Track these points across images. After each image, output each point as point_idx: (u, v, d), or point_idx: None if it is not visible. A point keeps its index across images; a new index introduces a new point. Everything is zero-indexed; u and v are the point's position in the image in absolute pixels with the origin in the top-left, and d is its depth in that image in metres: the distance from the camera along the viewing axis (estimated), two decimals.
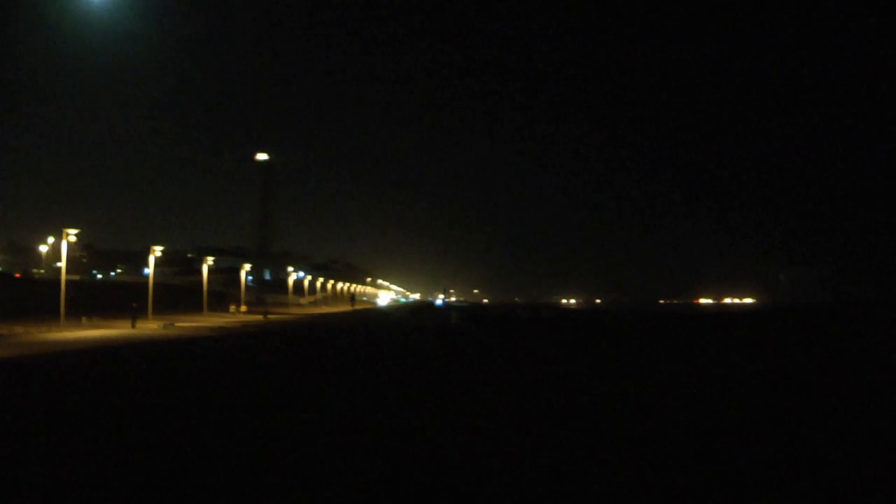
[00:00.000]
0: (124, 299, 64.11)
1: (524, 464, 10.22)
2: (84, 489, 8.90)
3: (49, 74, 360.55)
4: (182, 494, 8.74)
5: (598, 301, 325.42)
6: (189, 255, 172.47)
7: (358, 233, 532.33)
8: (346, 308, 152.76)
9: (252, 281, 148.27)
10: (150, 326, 55.98)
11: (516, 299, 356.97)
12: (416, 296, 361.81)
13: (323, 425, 13.00)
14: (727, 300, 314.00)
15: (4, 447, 11.33)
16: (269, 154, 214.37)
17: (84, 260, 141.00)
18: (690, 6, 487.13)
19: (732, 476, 9.66)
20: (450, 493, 8.86)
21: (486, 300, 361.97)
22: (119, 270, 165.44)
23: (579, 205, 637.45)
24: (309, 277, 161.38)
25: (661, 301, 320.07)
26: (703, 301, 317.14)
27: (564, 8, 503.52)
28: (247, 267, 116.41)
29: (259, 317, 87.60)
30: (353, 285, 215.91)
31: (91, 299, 64.97)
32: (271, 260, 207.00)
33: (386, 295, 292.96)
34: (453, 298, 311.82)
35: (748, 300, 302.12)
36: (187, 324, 62.89)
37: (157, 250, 74.76)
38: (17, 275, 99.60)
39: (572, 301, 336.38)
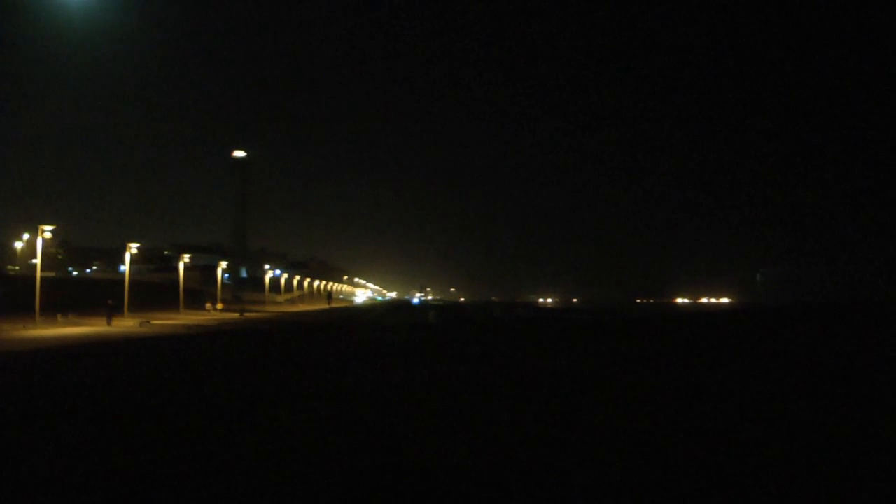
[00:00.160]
0: (100, 296, 63.93)
1: (501, 466, 10.37)
2: (43, 490, 8.97)
3: (24, 70, 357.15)
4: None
5: (574, 300, 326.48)
6: (166, 253, 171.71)
7: (334, 231, 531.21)
8: (323, 306, 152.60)
9: (229, 279, 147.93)
10: (127, 324, 55.89)
11: (493, 298, 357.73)
12: (393, 294, 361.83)
13: (301, 427, 13.17)
14: (704, 300, 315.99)
15: None
16: (246, 151, 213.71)
17: (60, 257, 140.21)
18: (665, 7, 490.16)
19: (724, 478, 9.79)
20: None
21: (462, 298, 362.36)
22: (95, 267, 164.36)
23: (556, 204, 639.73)
24: (286, 275, 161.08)
25: (638, 300, 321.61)
26: (679, 301, 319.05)
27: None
28: (223, 264, 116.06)
29: (236, 315, 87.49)
30: (330, 283, 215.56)
31: (67, 296, 64.69)
32: (248, 258, 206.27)
33: (363, 293, 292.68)
34: (430, 297, 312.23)
35: (725, 300, 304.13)
36: (163, 321, 62.81)
37: (134, 247, 74.56)
38: None
39: (549, 300, 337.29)
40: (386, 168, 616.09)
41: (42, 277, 53.33)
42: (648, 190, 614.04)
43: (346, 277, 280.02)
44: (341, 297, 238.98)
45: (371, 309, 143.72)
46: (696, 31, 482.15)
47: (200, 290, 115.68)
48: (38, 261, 54.94)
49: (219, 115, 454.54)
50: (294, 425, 13.01)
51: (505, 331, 54.67)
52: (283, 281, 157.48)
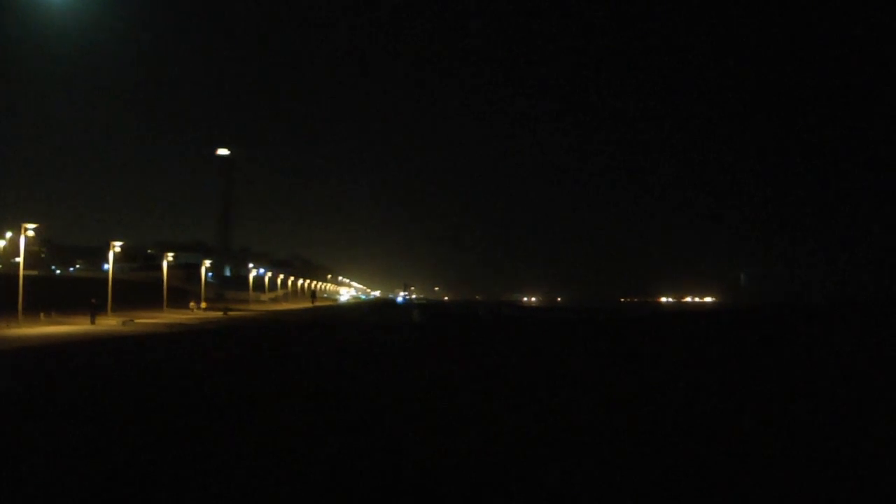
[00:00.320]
0: (83, 295, 63.63)
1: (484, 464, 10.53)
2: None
3: (5, 68, 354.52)
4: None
5: (559, 299, 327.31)
6: (149, 251, 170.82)
7: (318, 230, 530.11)
8: (307, 305, 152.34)
9: (212, 277, 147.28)
10: (110, 323, 55.75)
11: (477, 297, 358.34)
12: (377, 293, 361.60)
13: (284, 425, 13.32)
14: (688, 299, 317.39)
15: None
16: (229, 150, 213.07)
17: (43, 255, 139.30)
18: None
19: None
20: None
21: (446, 297, 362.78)
22: (78, 266, 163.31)
23: (541, 203, 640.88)
24: (269, 274, 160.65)
25: (623, 300, 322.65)
26: (663, 300, 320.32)
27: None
28: (207, 263, 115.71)
29: (219, 313, 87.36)
30: (314, 282, 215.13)
31: (50, 295, 64.38)
32: (231, 256, 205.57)
33: (347, 292, 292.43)
34: (414, 296, 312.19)
35: (708, 299, 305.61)
36: (147, 320, 62.69)
37: (117, 245, 74.30)
38: None
39: (533, 299, 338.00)
40: (370, 167, 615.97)
41: (25, 276, 53.09)
42: (634, 190, 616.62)
43: (329, 276, 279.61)
44: (325, 295, 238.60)
45: (355, 307, 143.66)
46: (679, 31, 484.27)
47: (184, 288, 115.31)
48: (20, 259, 54.66)
49: (202, 114, 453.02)
50: (277, 424, 13.18)
51: (490, 330, 54.95)
52: (266, 279, 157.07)
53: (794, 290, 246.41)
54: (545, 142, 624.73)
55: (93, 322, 53.27)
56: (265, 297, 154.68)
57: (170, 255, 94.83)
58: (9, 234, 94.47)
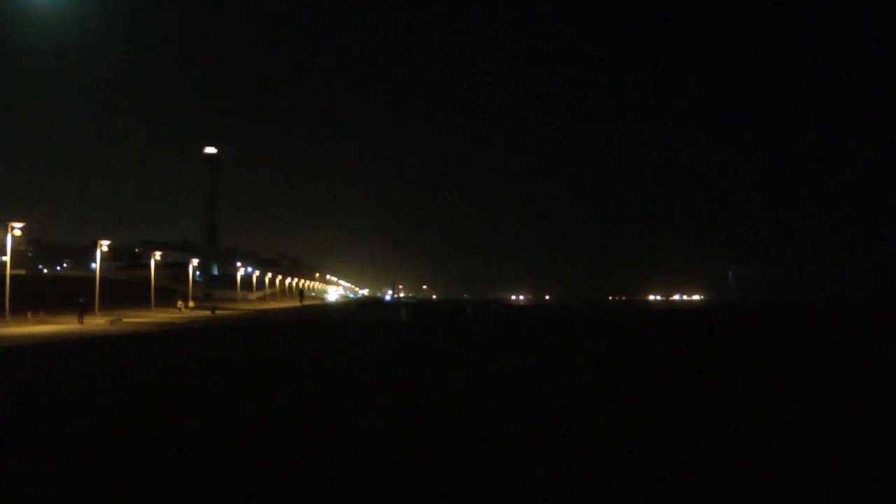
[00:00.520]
0: (71, 294, 63.60)
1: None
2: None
3: None
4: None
5: (547, 297, 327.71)
6: (136, 250, 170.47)
7: (305, 229, 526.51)
8: (295, 304, 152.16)
9: (200, 276, 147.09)
10: (98, 322, 55.74)
11: (465, 295, 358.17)
12: (365, 291, 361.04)
13: (268, 422, 13.56)
14: (676, 297, 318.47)
15: None
16: (216, 149, 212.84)
17: (30, 254, 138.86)
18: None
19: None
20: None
21: (434, 296, 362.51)
22: (65, 265, 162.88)
23: (529, 201, 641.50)
24: (257, 273, 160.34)
25: (611, 297, 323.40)
26: (651, 298, 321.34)
27: None
28: (195, 262, 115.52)
29: (207, 312, 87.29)
30: (302, 281, 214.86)
31: (37, 294, 64.32)
32: (218, 255, 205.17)
33: (335, 290, 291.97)
34: (402, 294, 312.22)
35: (697, 297, 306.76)
36: (135, 319, 62.68)
37: (104, 244, 74.18)
38: None
39: (521, 297, 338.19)
40: (358, 166, 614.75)
41: (12, 275, 53.06)
42: (622, 188, 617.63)
43: (317, 275, 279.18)
44: (313, 294, 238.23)
45: (343, 306, 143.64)
46: (663, 26, 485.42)
47: (171, 287, 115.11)
48: (7, 258, 54.59)
49: (189, 113, 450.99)
50: (261, 421, 13.46)
51: (478, 328, 55.22)
52: (254, 278, 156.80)
53: (782, 288, 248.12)
54: (534, 141, 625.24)
55: (81, 321, 53.27)
56: (253, 295, 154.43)
57: (157, 254, 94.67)
58: None
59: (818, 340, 37.72)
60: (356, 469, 9.85)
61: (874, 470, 10.15)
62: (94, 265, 78.03)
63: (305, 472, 9.76)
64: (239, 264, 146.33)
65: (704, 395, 17.24)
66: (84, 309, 55.77)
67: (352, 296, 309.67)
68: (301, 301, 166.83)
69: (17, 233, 53.71)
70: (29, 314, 54.99)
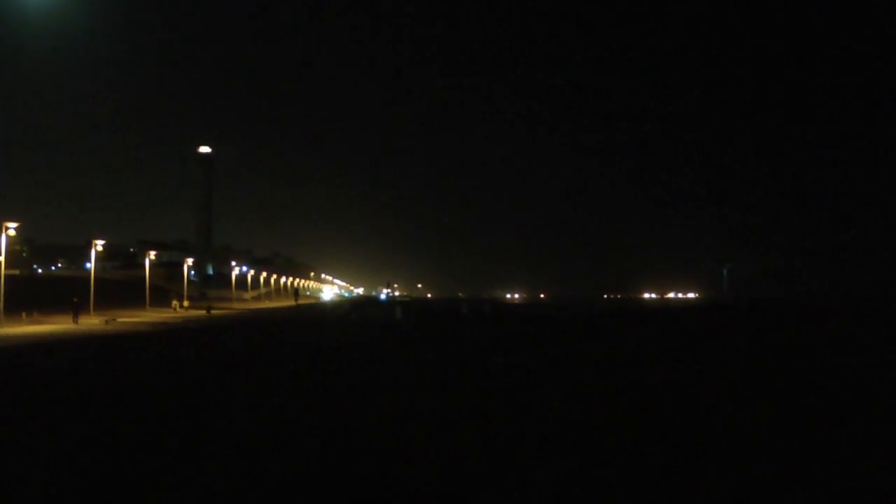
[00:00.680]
0: (65, 294, 63.66)
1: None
2: None
3: None
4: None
5: (542, 296, 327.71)
6: (131, 250, 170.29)
7: (300, 227, 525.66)
8: (290, 303, 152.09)
9: (195, 276, 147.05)
10: (92, 322, 55.83)
11: (460, 294, 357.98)
12: (360, 290, 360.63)
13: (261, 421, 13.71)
14: (671, 295, 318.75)
15: None
16: (210, 148, 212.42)
17: (24, 254, 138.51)
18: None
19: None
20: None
21: (430, 294, 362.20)
22: (60, 265, 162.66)
23: (523, 199, 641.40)
24: (252, 272, 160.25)
25: (606, 296, 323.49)
26: (646, 296, 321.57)
27: None
28: (189, 261, 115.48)
29: (202, 312, 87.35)
30: (297, 280, 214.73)
31: (32, 295, 64.35)
32: (213, 254, 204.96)
33: (330, 289, 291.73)
34: (397, 293, 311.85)
35: (691, 295, 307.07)
36: (130, 319, 62.77)
37: (99, 244, 74.20)
38: None
39: (516, 295, 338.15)
40: (352, 165, 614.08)
41: (6, 275, 53.05)
42: (617, 186, 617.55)
43: (312, 274, 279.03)
44: (308, 293, 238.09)
45: (338, 305, 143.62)
46: (656, 25, 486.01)
47: (166, 287, 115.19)
48: (1, 258, 54.57)
49: (183, 112, 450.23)
50: (255, 420, 13.64)
51: (471, 328, 55.31)
52: (249, 278, 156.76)
53: (777, 286, 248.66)
54: (528, 140, 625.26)
55: (75, 321, 53.38)
56: (248, 295, 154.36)
57: (152, 254, 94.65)
58: None
59: (813, 339, 37.93)
60: (352, 468, 10.02)
61: (874, 470, 10.26)
62: (88, 265, 77.92)
63: (303, 471, 9.93)
64: (234, 264, 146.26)
65: (703, 393, 17.42)
66: (78, 309, 55.83)
67: (347, 295, 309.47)
68: (296, 300, 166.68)
69: (12, 233, 53.68)
70: (24, 314, 55.05)
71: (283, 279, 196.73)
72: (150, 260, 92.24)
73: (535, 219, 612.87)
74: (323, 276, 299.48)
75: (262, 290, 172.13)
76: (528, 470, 9.95)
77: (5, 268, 54.07)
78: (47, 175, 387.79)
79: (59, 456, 10.64)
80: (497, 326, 55.21)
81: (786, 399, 16.34)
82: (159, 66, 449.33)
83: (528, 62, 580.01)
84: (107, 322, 55.84)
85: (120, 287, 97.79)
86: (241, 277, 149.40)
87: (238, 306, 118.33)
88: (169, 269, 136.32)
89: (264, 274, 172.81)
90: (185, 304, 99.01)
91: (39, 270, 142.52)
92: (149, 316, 71.91)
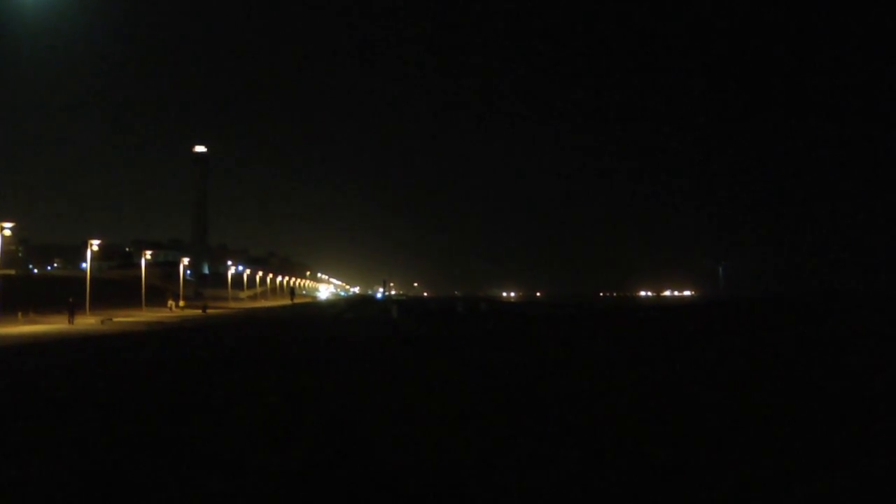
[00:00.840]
0: (61, 294, 63.65)
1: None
2: None
3: None
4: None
5: (538, 294, 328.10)
6: (127, 250, 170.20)
7: (296, 226, 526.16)
8: (286, 302, 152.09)
9: (190, 275, 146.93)
10: (88, 322, 55.77)
11: (456, 292, 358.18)
12: (357, 289, 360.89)
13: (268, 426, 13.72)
14: (667, 293, 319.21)
15: None
16: (206, 147, 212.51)
17: (20, 254, 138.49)
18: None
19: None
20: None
21: (426, 293, 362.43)
22: (55, 265, 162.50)
23: (519, 198, 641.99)
24: (248, 271, 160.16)
25: (601, 294, 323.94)
26: (641, 294, 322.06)
27: None
28: (185, 261, 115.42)
29: (198, 311, 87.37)
30: (293, 279, 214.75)
31: (27, 294, 64.26)
32: (209, 254, 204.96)
33: (326, 288, 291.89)
34: (393, 292, 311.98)
35: (687, 293, 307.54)
36: (125, 319, 62.71)
37: (95, 244, 74.13)
38: None
39: (512, 294, 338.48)
40: (349, 164, 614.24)
41: (2, 275, 53.14)
42: (612, 185, 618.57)
43: (308, 273, 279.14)
44: (304, 292, 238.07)
45: (334, 304, 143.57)
46: (648, 24, 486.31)
47: (162, 286, 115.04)
48: None
49: (178, 112, 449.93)
50: (254, 420, 13.65)
51: (467, 326, 55.34)
52: (245, 277, 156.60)
53: (772, 283, 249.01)
54: (524, 139, 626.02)
55: (71, 321, 53.32)
56: (244, 294, 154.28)
57: (148, 254, 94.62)
58: None
59: (810, 337, 37.98)
60: (349, 468, 10.04)
61: (874, 469, 10.24)
62: (84, 265, 78.04)
63: (301, 471, 9.91)
64: (230, 263, 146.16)
65: (702, 392, 17.44)
66: (74, 308, 55.82)
67: (343, 294, 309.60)
68: (292, 299, 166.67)
69: (7, 233, 53.72)
70: (19, 314, 55.03)
71: (279, 278, 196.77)
72: (146, 259, 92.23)
73: (530, 218, 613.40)
74: (319, 275, 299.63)
75: (258, 289, 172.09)
76: (524, 470, 9.98)
77: (1, 267, 54.15)
78: (43, 175, 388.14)
79: (53, 457, 10.59)
80: (496, 324, 55.25)
81: (782, 397, 16.35)
82: (156, 65, 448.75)
83: (528, 62, 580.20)
84: (103, 322, 55.78)
85: (116, 287, 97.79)
86: (237, 277, 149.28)
87: (234, 306, 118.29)
88: (165, 268, 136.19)
89: (260, 273, 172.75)
90: (181, 303, 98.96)
91: (35, 270, 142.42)
92: (145, 315, 71.84)
